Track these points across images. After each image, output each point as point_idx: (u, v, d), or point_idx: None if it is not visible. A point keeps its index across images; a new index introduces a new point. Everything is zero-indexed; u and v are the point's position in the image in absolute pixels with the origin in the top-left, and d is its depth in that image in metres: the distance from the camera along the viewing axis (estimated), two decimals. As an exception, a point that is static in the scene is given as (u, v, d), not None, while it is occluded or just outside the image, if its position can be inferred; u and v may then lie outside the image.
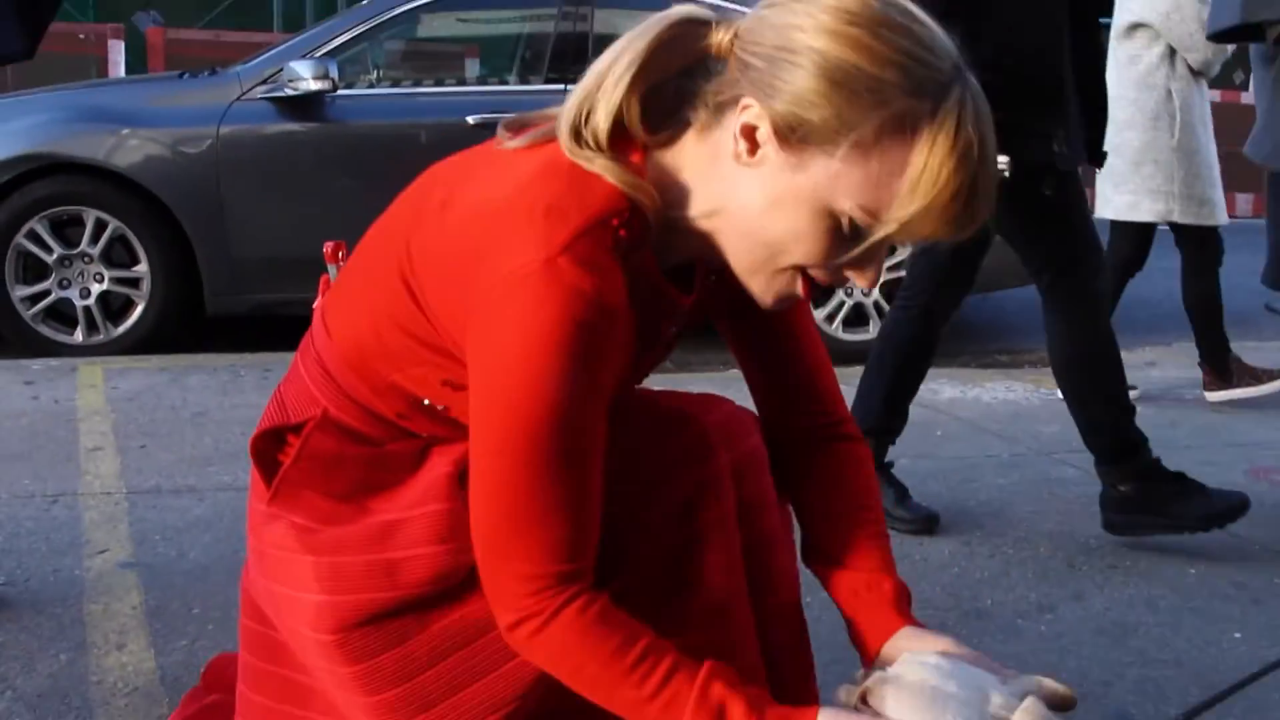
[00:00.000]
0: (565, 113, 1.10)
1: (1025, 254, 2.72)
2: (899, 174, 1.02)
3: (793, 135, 1.03)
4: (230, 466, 2.92)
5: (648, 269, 1.13)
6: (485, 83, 6.12)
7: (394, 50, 6.08)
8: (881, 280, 4.82)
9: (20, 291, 4.29)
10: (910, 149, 1.01)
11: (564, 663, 1.09)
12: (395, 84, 5.22)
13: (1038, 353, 5.22)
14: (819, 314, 4.82)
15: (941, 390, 4.15)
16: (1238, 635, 2.19)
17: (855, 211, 1.04)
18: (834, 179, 1.03)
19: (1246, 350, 5.17)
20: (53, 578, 2.24)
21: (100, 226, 4.30)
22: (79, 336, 4.34)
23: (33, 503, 2.64)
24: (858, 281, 1.11)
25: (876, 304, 4.87)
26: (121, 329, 4.36)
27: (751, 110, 1.05)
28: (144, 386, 3.70)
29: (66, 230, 4.32)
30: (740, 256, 1.11)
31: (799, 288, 1.12)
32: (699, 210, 1.11)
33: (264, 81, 4.43)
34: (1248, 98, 12.98)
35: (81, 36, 12.18)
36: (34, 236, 4.27)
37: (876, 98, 1.00)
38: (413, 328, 1.14)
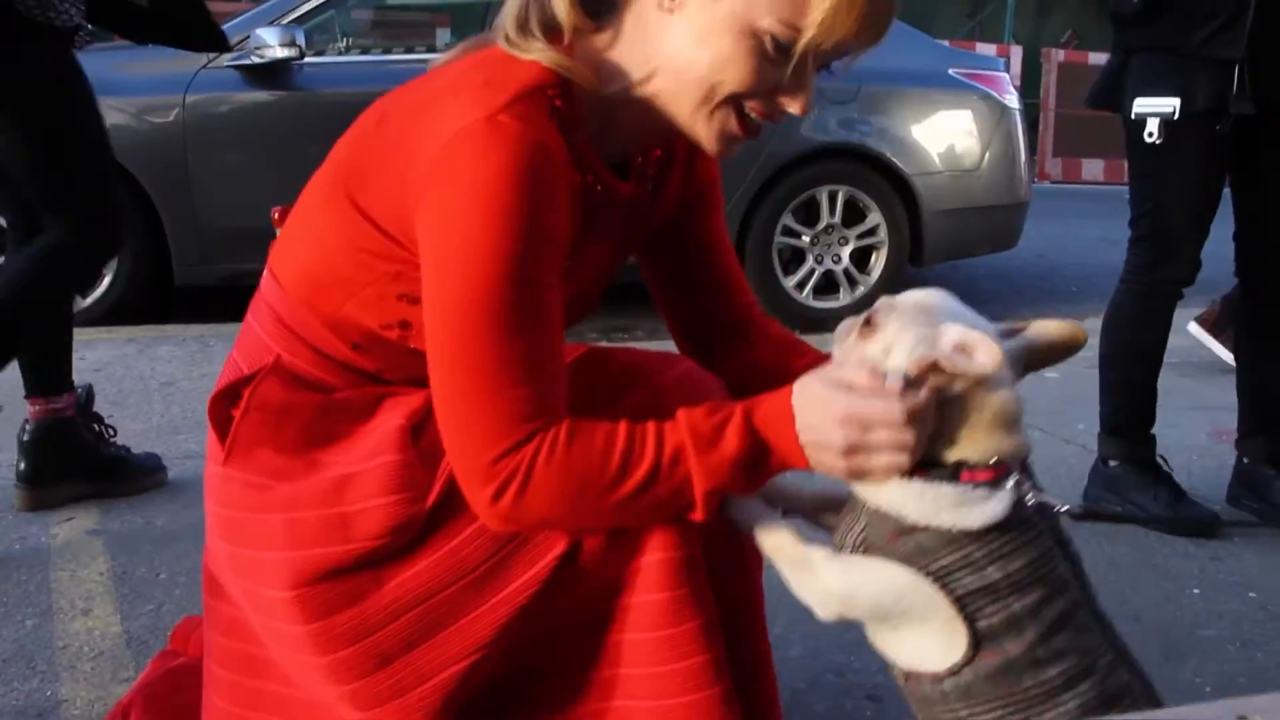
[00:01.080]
0: (506, 12, 1.16)
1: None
2: None
3: None
4: (198, 435, 2.90)
5: (584, 151, 1.16)
6: (455, 51, 6.09)
7: (363, 18, 6.04)
8: (851, 249, 4.86)
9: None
10: None
11: (559, 508, 1.09)
12: (365, 52, 5.18)
13: (1006, 320, 5.24)
14: (789, 282, 4.85)
15: (911, 356, 4.17)
16: (1196, 591, 2.22)
17: (775, 26, 1.09)
18: (750, 1, 1.09)
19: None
20: (19, 545, 2.23)
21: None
22: (46, 307, 4.30)
23: (-2, 472, 2.63)
24: (791, 108, 1.15)
25: (846, 271, 4.89)
26: (89, 300, 4.33)
27: None
28: (112, 357, 3.68)
29: (31, 200, 4.28)
30: (679, 104, 1.15)
31: (736, 125, 1.16)
32: (635, 77, 1.16)
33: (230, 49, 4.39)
34: None
35: (47, 6, 11.99)
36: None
37: None
38: (362, 241, 1.16)
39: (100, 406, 3.13)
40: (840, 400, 1.06)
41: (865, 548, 1.08)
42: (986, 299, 5.79)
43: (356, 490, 1.16)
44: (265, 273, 1.30)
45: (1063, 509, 1.11)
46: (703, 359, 1.37)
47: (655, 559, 1.16)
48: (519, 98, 1.09)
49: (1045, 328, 1.15)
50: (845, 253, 4.90)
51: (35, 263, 2.29)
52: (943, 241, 5.00)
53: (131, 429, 2.97)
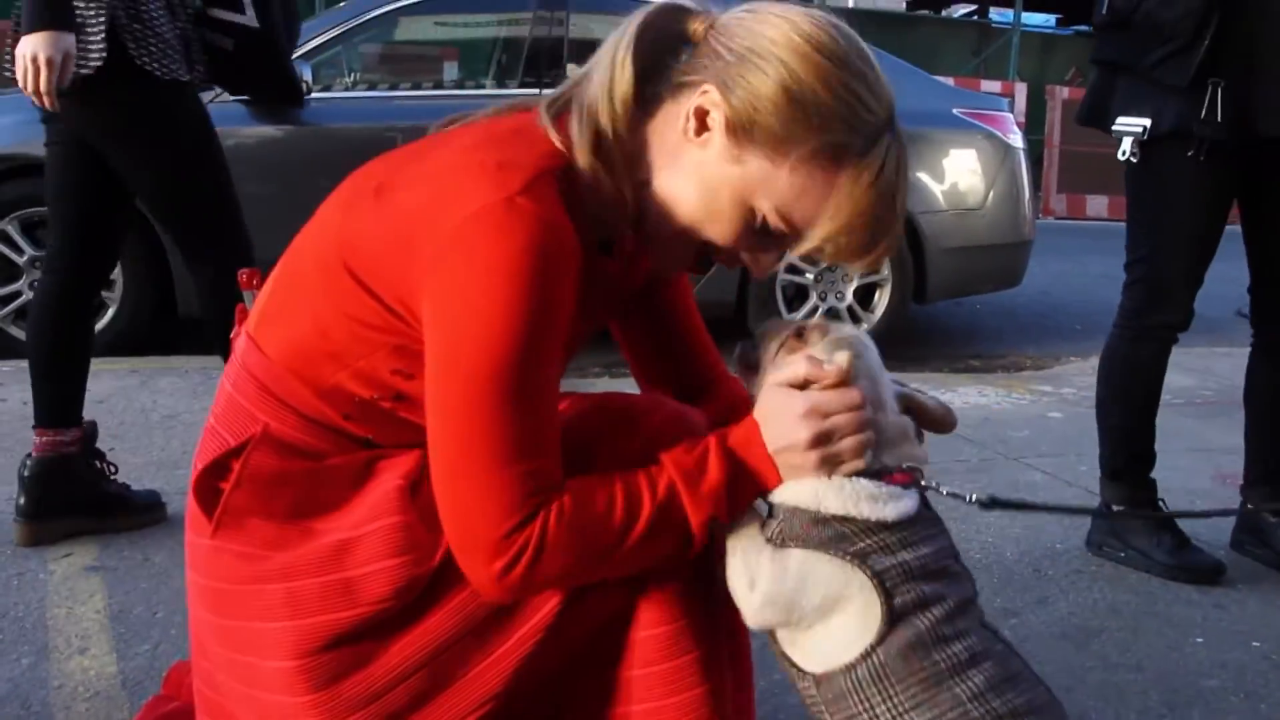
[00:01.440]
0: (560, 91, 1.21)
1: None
2: (820, 194, 1.12)
3: (741, 131, 1.12)
4: (199, 470, 2.90)
5: (580, 232, 1.17)
6: (462, 86, 6.11)
7: (370, 53, 6.07)
8: (855, 286, 4.86)
9: (-9, 293, 4.27)
10: (837, 175, 1.12)
11: (571, 572, 1.11)
12: (372, 87, 5.21)
13: (1010, 357, 5.26)
14: (793, 318, 4.83)
15: (914, 395, 4.17)
16: (1199, 640, 2.21)
17: (772, 214, 1.14)
18: (763, 181, 1.13)
19: (1217, 356, 5.22)
20: (16, 581, 2.22)
21: (72, 228, 4.26)
22: (50, 338, 4.30)
23: (-2, 506, 2.62)
24: (754, 269, 1.22)
25: (850, 309, 4.89)
26: (93, 331, 4.33)
27: (710, 96, 1.13)
28: (114, 389, 3.68)
29: (38, 231, 4.30)
30: (657, 222, 1.19)
31: (691, 260, 1.23)
32: (637, 176, 1.18)
33: (238, 83, 4.41)
34: None
35: (58, 36, 12.08)
36: (4, 238, 4.25)
37: (821, 123, 1.10)
38: (360, 313, 1.15)
39: (101, 439, 3.12)
40: (795, 398, 1.14)
41: (781, 540, 1.15)
42: (990, 336, 5.79)
43: (359, 554, 1.15)
44: (244, 339, 1.27)
45: (972, 499, 1.22)
46: None
47: (653, 594, 1.19)
48: (535, 180, 1.09)
49: (925, 402, 1.27)
50: (849, 290, 4.90)
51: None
52: (946, 279, 5.01)
53: (132, 462, 2.96)
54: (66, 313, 2.49)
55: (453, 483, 1.09)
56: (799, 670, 1.18)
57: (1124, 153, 2.42)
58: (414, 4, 4.90)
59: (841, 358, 1.16)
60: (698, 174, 1.15)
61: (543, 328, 1.07)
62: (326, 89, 4.70)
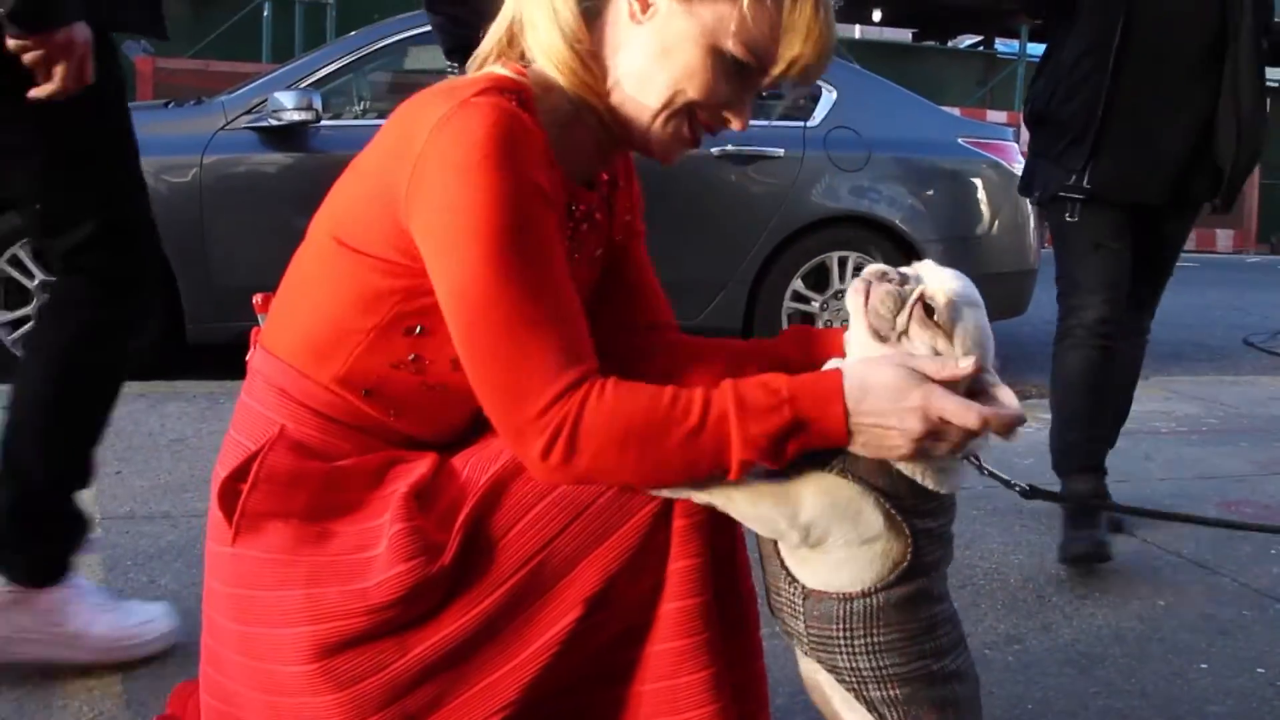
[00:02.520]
0: (483, 49, 1.30)
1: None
2: (774, 13, 1.20)
3: None
4: (205, 493, 2.87)
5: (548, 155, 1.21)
6: (471, 114, 6.17)
7: (380, 82, 6.12)
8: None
9: (1, 317, 4.29)
10: None
11: (610, 454, 1.11)
12: (381, 115, 5.26)
13: (1018, 386, 5.24)
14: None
15: (919, 423, 4.17)
16: (1204, 666, 2.20)
17: (739, 49, 1.21)
18: (721, 20, 1.21)
19: (1224, 385, 5.22)
20: (22, 602, 2.23)
21: (82, 253, 4.30)
22: (59, 363, 4.33)
23: (5, 528, 2.63)
24: (733, 123, 1.27)
25: (829, 322, 4.90)
26: (102, 356, 4.36)
27: None
28: (122, 413, 3.67)
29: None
30: (640, 112, 1.25)
31: (687, 132, 1.27)
32: (604, 85, 1.25)
33: (249, 111, 4.46)
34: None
35: (71, 65, 12.22)
36: (16, 262, 4.28)
37: None
38: (361, 276, 1.20)
39: (108, 462, 3.15)
40: (919, 390, 1.13)
41: (843, 470, 1.18)
42: (996, 365, 5.79)
43: (373, 559, 1.16)
44: (257, 351, 1.32)
45: (1015, 486, 1.28)
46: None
47: (673, 607, 1.19)
48: (486, 89, 1.16)
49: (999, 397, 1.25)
50: (854, 318, 4.90)
51: None
52: (952, 308, 5.01)
53: (139, 486, 2.98)
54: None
55: (485, 371, 1.13)
56: (789, 575, 1.22)
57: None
58: (424, 33, 4.94)
59: (968, 364, 1.15)
60: (658, 44, 1.22)
61: (526, 200, 1.13)
62: (337, 117, 4.74)
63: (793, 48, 1.22)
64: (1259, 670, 2.19)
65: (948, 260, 4.92)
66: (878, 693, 1.20)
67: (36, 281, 4.29)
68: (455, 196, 1.11)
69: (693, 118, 1.26)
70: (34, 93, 1.73)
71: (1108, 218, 2.83)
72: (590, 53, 1.24)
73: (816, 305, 4.88)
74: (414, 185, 1.13)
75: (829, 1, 1.23)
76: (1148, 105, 2.78)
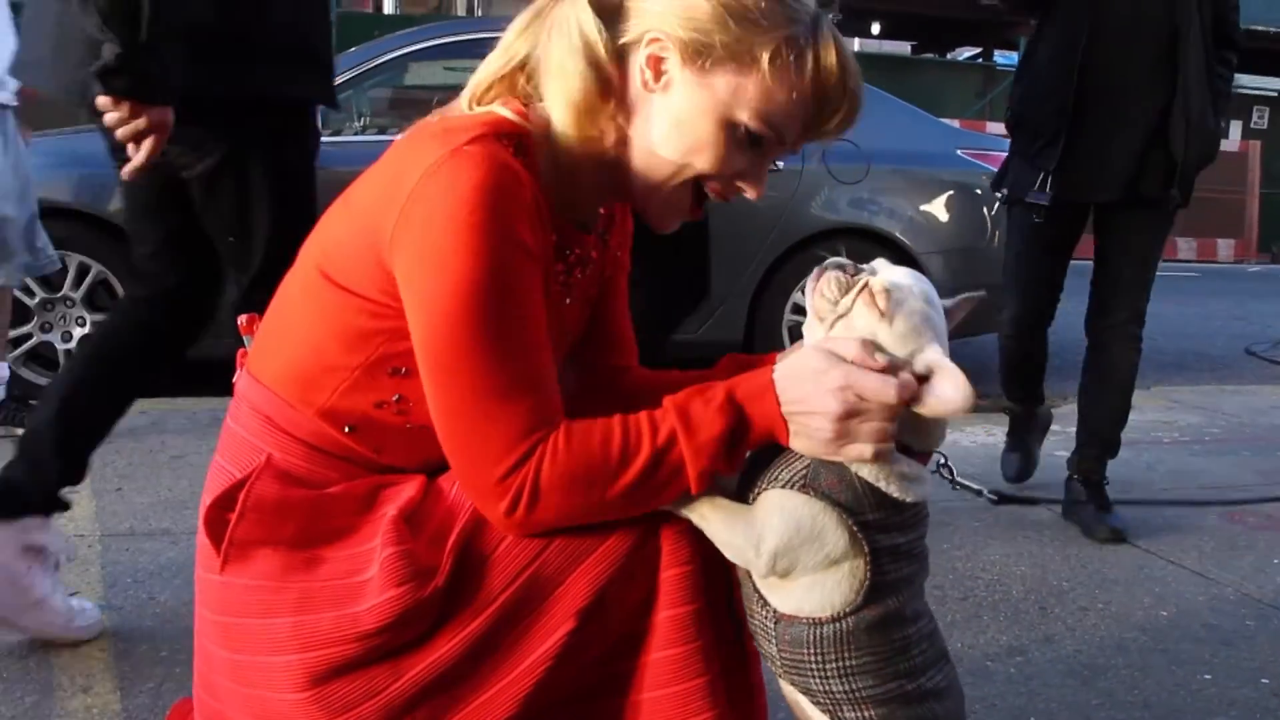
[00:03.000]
0: (474, 80, 1.27)
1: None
2: (792, 84, 1.18)
3: (700, 56, 1.18)
4: (206, 509, 2.90)
5: (542, 203, 1.20)
6: (471, 130, 6.18)
7: (381, 98, 6.14)
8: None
9: (2, 335, 4.30)
10: (804, 62, 1.18)
11: (570, 509, 1.14)
12: (382, 131, 5.26)
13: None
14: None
15: (921, 434, 4.17)
16: (1207, 677, 2.19)
17: (753, 121, 1.19)
18: (735, 93, 1.18)
19: (1226, 395, 5.21)
20: (22, 620, 2.23)
21: (83, 271, 4.31)
22: (60, 380, 4.33)
23: (5, 545, 2.62)
24: (748, 192, 1.25)
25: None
26: (103, 373, 4.36)
27: (658, 42, 1.19)
28: (122, 429, 3.66)
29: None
30: (646, 176, 1.23)
31: (689, 202, 1.25)
32: (607, 143, 1.22)
33: (248, 128, 4.46)
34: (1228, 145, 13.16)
35: (73, 84, 12.24)
36: (17, 280, 4.28)
37: (769, 21, 1.17)
38: (347, 316, 1.19)
39: (108, 479, 3.15)
40: (838, 370, 1.13)
41: (804, 485, 1.17)
42: (995, 374, 5.78)
43: (363, 586, 1.16)
44: (243, 376, 1.31)
45: (986, 493, 1.24)
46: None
47: (666, 615, 1.19)
48: (481, 135, 1.14)
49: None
50: (855, 330, 4.90)
51: None
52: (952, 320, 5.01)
53: (140, 502, 2.98)
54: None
55: (450, 429, 1.14)
56: (761, 598, 1.21)
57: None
58: (424, 49, 4.97)
59: (883, 358, 1.15)
60: (670, 115, 1.20)
61: (508, 260, 1.11)
62: (337, 133, 4.75)
63: (826, 118, 1.20)
64: (1263, 680, 2.18)
65: (950, 272, 4.97)
66: (853, 714, 1.19)
67: (37, 299, 4.30)
68: (437, 251, 1.10)
69: (699, 188, 1.24)
70: (125, 171, 1.91)
71: (1066, 219, 3.08)
72: (605, 112, 1.21)
73: (817, 318, 4.88)
74: (399, 231, 1.12)
75: (849, 57, 1.20)
76: (1108, 107, 2.95)
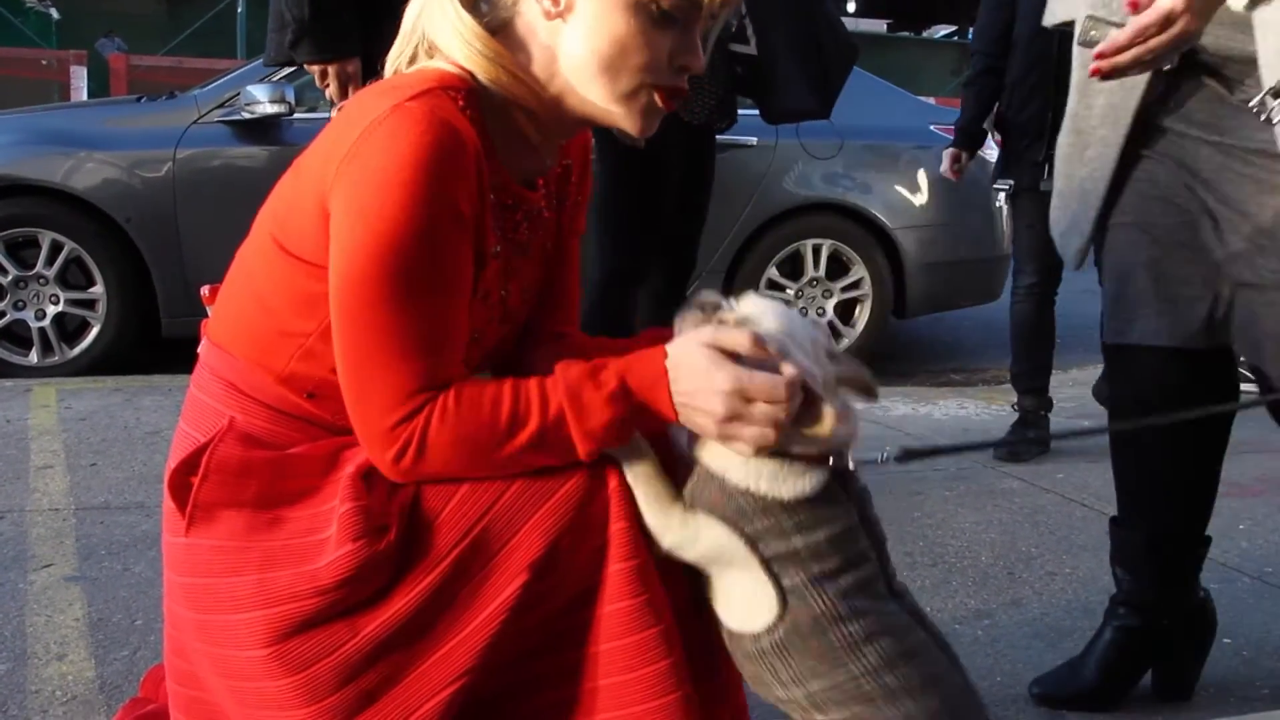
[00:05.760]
0: (393, 56, 1.27)
1: None
2: None
3: None
4: (180, 483, 2.91)
5: (493, 164, 1.20)
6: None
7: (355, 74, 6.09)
8: (836, 301, 4.91)
9: (-24, 313, 4.28)
10: None
11: (454, 466, 1.17)
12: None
13: (991, 371, 5.30)
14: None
15: (894, 408, 4.21)
16: None
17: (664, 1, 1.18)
18: None
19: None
20: (-4, 592, 2.24)
21: (56, 248, 4.29)
22: (34, 358, 4.32)
23: (-21, 520, 2.63)
24: (693, 66, 1.23)
25: (831, 324, 4.93)
26: (77, 350, 4.35)
27: None
28: (97, 406, 3.69)
29: (22, 252, 4.32)
30: (593, 97, 1.23)
31: (659, 100, 1.24)
32: (540, 83, 1.23)
33: (221, 105, 4.45)
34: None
35: (44, 62, 12.16)
36: (-11, 258, 4.27)
37: None
38: (298, 283, 1.20)
39: (83, 455, 3.15)
40: (725, 370, 1.14)
41: (692, 502, 1.20)
42: (971, 350, 5.83)
43: (321, 542, 1.17)
44: (205, 344, 1.32)
45: (882, 459, 1.23)
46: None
47: (616, 569, 1.20)
48: (426, 91, 1.14)
49: (854, 371, 1.24)
50: (830, 305, 4.94)
51: None
52: (925, 294, 5.05)
53: (115, 477, 2.98)
54: None
55: (349, 375, 1.16)
56: (718, 617, 1.24)
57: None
58: (396, 26, 4.94)
59: (782, 345, 1.16)
60: (584, 31, 1.20)
61: (436, 221, 1.12)
62: (310, 110, 4.73)
63: None
64: (1225, 640, 2.22)
65: (921, 246, 4.99)
66: (823, 717, 1.20)
67: (10, 278, 4.27)
68: (363, 205, 1.11)
69: (656, 86, 1.23)
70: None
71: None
72: (510, 59, 1.21)
73: (791, 293, 4.90)
74: (335, 184, 1.13)
75: None
76: None
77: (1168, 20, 1.43)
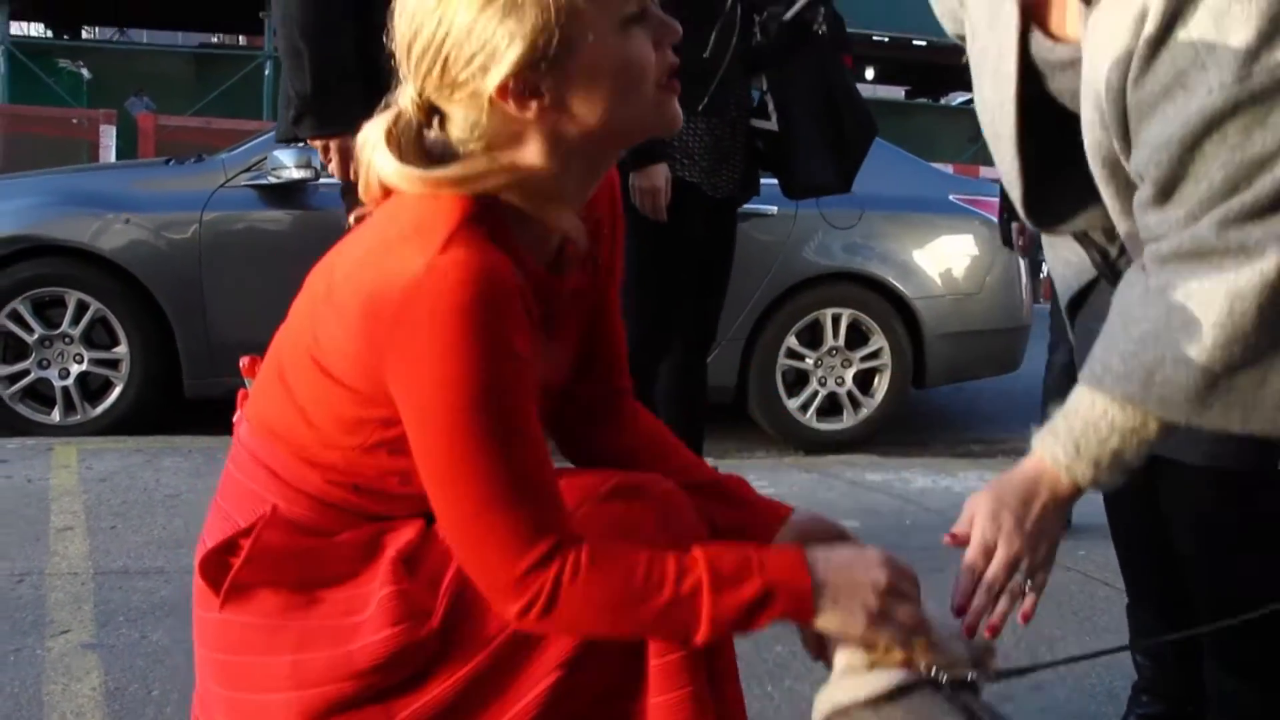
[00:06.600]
0: (383, 161, 1.18)
1: None
2: None
3: (539, 61, 1.12)
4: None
5: (522, 259, 1.18)
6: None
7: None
8: (855, 371, 4.91)
9: (0, 371, 4.32)
10: None
11: (583, 625, 1.14)
12: (379, 172, 5.31)
13: (1011, 442, 5.27)
14: (793, 403, 4.88)
15: (913, 480, 4.18)
16: None
17: (620, 4, 1.14)
18: (587, 19, 1.12)
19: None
20: (13, 657, 2.23)
21: (82, 308, 4.34)
22: (56, 416, 4.35)
23: (-2, 582, 2.63)
24: (674, 37, 1.19)
25: (850, 393, 4.92)
26: (99, 410, 4.38)
27: (484, 99, 1.14)
28: (118, 467, 3.71)
29: (48, 311, 4.37)
30: (616, 129, 1.19)
31: (674, 88, 1.20)
32: (553, 157, 1.18)
33: (248, 169, 4.51)
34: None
35: (75, 121, 12.37)
36: (15, 316, 4.32)
37: None
38: (342, 407, 1.18)
39: (103, 517, 3.16)
40: (883, 568, 1.17)
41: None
42: (990, 421, 5.81)
43: (359, 625, 1.17)
44: (245, 425, 1.30)
45: (970, 678, 1.18)
46: (569, 437, 1.44)
47: (659, 663, 1.20)
48: (453, 233, 1.11)
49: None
50: (849, 375, 4.94)
51: None
52: (945, 364, 5.05)
53: (134, 541, 2.98)
54: None
55: (460, 535, 1.13)
56: None
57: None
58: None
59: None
60: (589, 80, 1.15)
61: (502, 372, 1.10)
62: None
63: None
64: None
65: (941, 316, 5.02)
66: None
67: (35, 336, 4.32)
68: (426, 373, 1.10)
69: (658, 81, 1.19)
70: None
71: None
72: (512, 165, 1.17)
73: (810, 362, 4.91)
74: (387, 347, 1.11)
75: None
76: None
77: (1012, 565, 1.29)
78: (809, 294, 4.90)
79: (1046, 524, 1.30)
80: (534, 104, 1.14)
